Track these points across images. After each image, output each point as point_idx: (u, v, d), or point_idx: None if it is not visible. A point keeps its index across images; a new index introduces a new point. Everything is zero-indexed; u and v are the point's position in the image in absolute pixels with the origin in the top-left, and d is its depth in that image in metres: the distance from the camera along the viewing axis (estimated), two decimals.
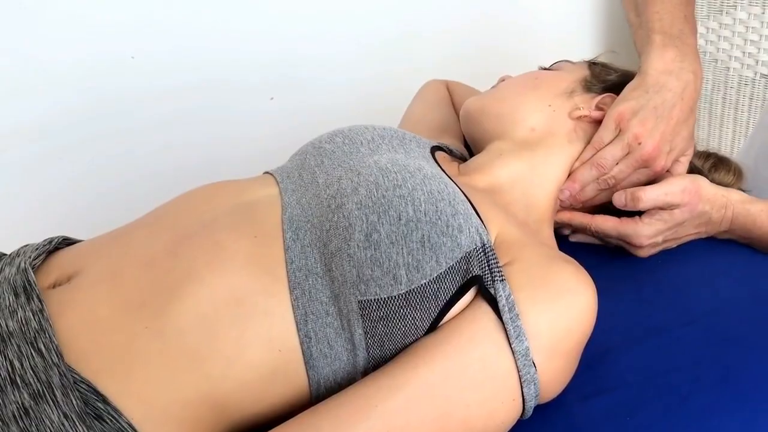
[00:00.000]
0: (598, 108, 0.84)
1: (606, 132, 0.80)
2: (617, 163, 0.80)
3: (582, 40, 1.96)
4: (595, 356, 0.70)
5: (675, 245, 0.84)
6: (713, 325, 0.73)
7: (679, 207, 0.78)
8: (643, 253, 0.82)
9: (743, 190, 0.87)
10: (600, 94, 0.85)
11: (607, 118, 0.80)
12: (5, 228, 1.30)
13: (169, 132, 1.49)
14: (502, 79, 0.91)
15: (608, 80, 0.88)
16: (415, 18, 1.69)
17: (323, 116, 1.35)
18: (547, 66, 0.93)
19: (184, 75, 1.47)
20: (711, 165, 0.90)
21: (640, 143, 0.78)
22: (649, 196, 0.78)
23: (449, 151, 0.89)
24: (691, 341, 0.72)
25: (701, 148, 0.94)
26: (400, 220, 0.62)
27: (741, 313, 0.75)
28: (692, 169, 0.86)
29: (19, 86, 1.33)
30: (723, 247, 0.85)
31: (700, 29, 1.80)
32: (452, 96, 1.12)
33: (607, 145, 0.80)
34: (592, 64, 0.91)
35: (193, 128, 1.53)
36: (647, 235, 0.79)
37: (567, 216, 0.84)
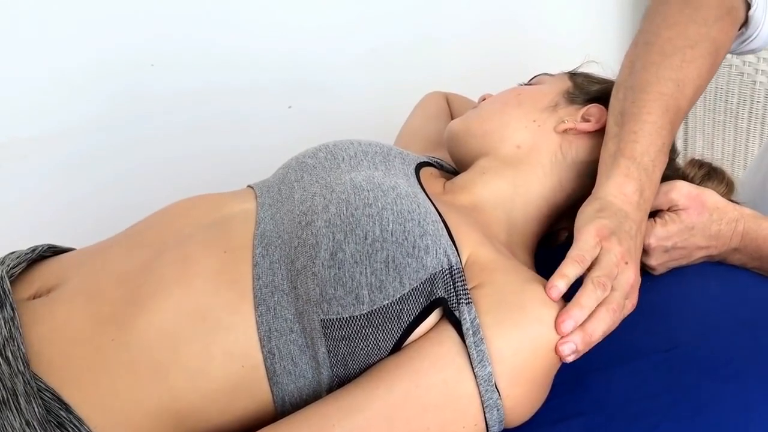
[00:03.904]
0: (584, 119, 0.82)
1: (587, 246, 0.66)
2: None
3: (603, 44, 1.90)
4: (569, 379, 0.68)
5: (685, 262, 0.81)
6: (694, 352, 0.71)
7: (681, 208, 0.78)
8: (653, 260, 0.80)
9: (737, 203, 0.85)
10: (584, 105, 0.84)
11: (585, 232, 0.67)
12: (29, 233, 1.34)
13: (187, 139, 1.52)
14: (483, 98, 0.90)
15: (592, 91, 0.86)
16: (433, 24, 1.68)
17: (342, 124, 1.36)
18: (526, 82, 0.92)
19: (203, 82, 1.50)
20: (703, 174, 0.87)
21: (627, 263, 0.67)
22: None
23: (439, 167, 0.88)
24: (669, 368, 0.70)
25: (718, 160, 0.92)
26: (366, 239, 0.62)
27: (725, 341, 0.72)
28: (684, 177, 0.84)
29: (42, 95, 1.37)
30: (717, 272, 0.83)
31: None
32: (451, 108, 1.11)
33: (603, 260, 0.66)
34: (572, 75, 0.90)
35: (211, 135, 1.54)
36: (659, 235, 0.78)
37: None
